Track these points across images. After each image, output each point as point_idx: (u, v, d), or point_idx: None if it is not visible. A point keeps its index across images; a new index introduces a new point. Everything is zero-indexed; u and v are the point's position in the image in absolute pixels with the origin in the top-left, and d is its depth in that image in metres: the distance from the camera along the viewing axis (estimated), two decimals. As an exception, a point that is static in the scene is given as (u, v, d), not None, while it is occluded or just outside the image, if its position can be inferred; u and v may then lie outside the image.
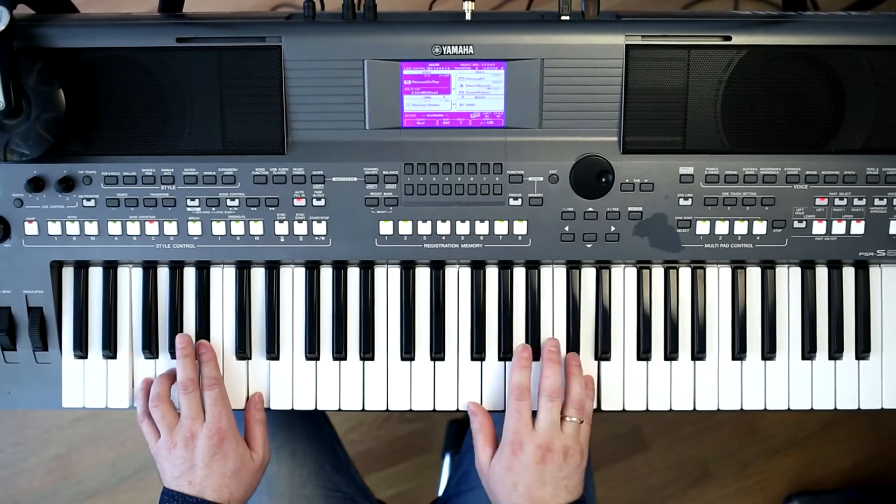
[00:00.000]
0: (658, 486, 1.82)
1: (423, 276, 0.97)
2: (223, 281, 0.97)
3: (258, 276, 0.97)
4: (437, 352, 0.96)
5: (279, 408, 0.97)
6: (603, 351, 0.96)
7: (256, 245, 0.94)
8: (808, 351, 0.96)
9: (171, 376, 0.94)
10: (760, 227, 0.94)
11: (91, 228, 0.94)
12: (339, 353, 0.96)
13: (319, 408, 0.97)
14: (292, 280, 0.97)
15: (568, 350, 0.96)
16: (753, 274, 0.97)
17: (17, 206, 0.93)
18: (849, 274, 0.97)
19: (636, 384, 0.97)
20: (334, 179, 0.93)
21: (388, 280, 0.96)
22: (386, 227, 0.94)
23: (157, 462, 0.92)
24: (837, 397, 0.97)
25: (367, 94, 0.91)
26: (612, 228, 0.94)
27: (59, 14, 0.98)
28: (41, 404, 0.97)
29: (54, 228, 0.94)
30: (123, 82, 0.91)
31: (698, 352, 0.96)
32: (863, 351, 0.96)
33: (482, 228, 0.94)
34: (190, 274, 0.97)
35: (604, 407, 0.97)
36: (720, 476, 1.82)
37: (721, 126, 0.92)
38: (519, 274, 0.96)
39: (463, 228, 0.94)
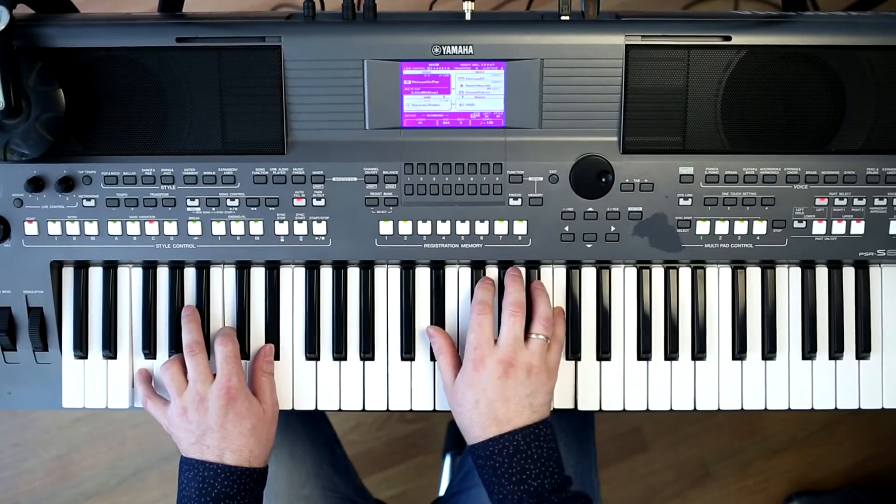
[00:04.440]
0: (658, 486, 1.82)
1: (423, 276, 0.97)
2: (223, 281, 0.97)
3: (258, 276, 0.97)
4: (438, 352, 0.96)
5: (279, 407, 0.97)
6: (603, 351, 0.96)
7: (256, 245, 0.94)
8: (809, 351, 0.96)
9: (179, 359, 0.94)
10: (760, 227, 0.94)
11: (91, 228, 0.94)
12: (339, 353, 0.96)
13: (319, 408, 0.97)
14: (292, 280, 0.97)
15: (568, 351, 0.96)
16: (753, 274, 0.97)
17: (17, 206, 0.93)
18: (849, 274, 0.97)
19: (636, 384, 0.97)
20: (334, 179, 0.93)
21: (388, 280, 0.96)
22: (386, 227, 0.94)
23: (171, 434, 0.92)
24: (838, 397, 0.97)
25: (367, 94, 0.91)
26: (612, 228, 0.94)
27: (59, 14, 0.98)
28: (41, 404, 0.97)
29: (54, 228, 0.94)
30: (123, 82, 0.91)
31: (698, 352, 0.96)
32: (863, 351, 0.96)
33: (482, 228, 0.94)
34: (190, 274, 0.97)
35: (604, 407, 0.97)
36: (720, 476, 1.82)
37: (721, 126, 0.92)
38: (519, 274, 0.96)
39: (463, 228, 0.94)
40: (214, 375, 0.91)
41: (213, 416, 0.88)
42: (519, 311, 0.90)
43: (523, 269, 0.96)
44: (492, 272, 0.96)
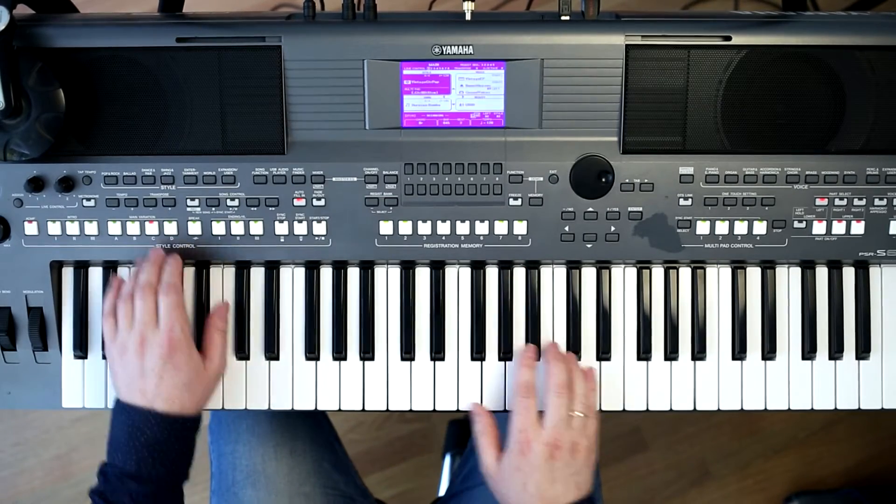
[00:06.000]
0: (658, 486, 1.82)
1: (423, 276, 0.97)
2: (223, 281, 0.97)
3: (258, 276, 0.97)
4: (437, 352, 0.96)
5: (279, 408, 0.97)
6: (603, 351, 0.96)
7: (256, 245, 0.94)
8: (809, 351, 0.96)
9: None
10: (760, 227, 0.94)
11: (91, 228, 0.94)
12: (339, 353, 0.96)
13: (319, 408, 0.97)
14: (292, 280, 0.97)
15: (568, 349, 0.96)
16: (753, 274, 0.97)
17: (17, 206, 0.93)
18: (849, 274, 0.97)
19: (636, 384, 0.97)
20: (334, 179, 0.93)
21: (388, 280, 0.96)
22: (386, 227, 0.94)
23: (110, 368, 0.91)
24: (837, 397, 0.97)
25: (367, 94, 0.91)
26: (612, 228, 0.94)
27: (59, 14, 0.98)
28: (41, 404, 0.97)
29: (54, 228, 0.94)
30: (123, 82, 0.91)
31: (698, 352, 0.96)
32: (863, 351, 0.96)
33: (482, 228, 0.94)
34: (189, 274, 0.96)
35: (604, 407, 0.97)
36: (720, 476, 1.82)
37: (721, 126, 0.92)
38: (519, 274, 0.96)
39: (463, 228, 0.94)
40: None
41: (151, 362, 0.88)
42: (564, 393, 0.90)
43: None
44: (492, 273, 0.96)
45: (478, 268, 0.96)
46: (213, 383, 0.93)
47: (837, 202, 0.93)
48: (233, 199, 0.93)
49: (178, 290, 0.91)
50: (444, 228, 0.94)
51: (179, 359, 0.89)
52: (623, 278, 0.97)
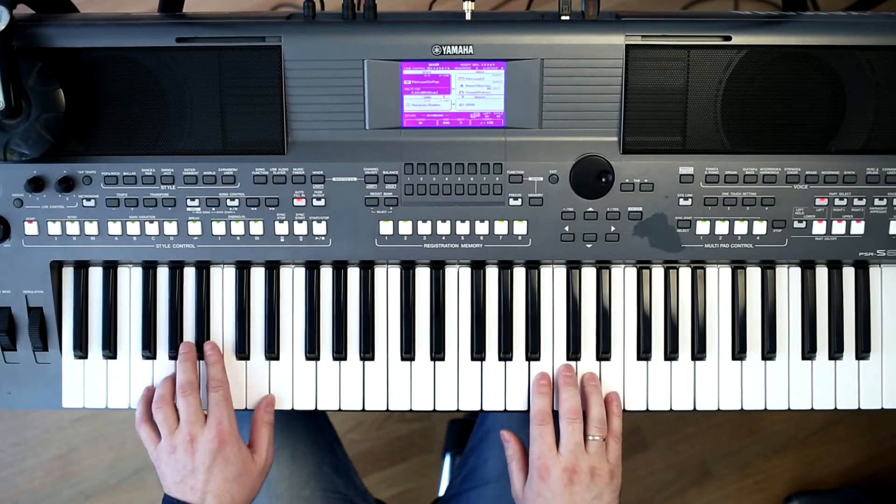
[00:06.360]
0: (658, 486, 1.82)
1: (423, 276, 0.97)
2: (223, 281, 0.97)
3: (258, 276, 0.97)
4: (437, 352, 0.96)
5: (279, 408, 0.97)
6: (603, 351, 0.96)
7: (256, 245, 0.94)
8: (808, 351, 0.96)
9: (175, 379, 0.94)
10: (760, 227, 0.94)
11: (91, 228, 0.94)
12: (339, 353, 0.96)
13: (319, 408, 0.97)
14: (292, 280, 0.97)
15: (568, 351, 0.96)
16: (753, 274, 0.97)
17: (17, 206, 0.93)
18: (849, 274, 0.97)
19: (636, 384, 0.97)
20: (334, 179, 0.93)
21: (388, 280, 0.96)
22: (386, 227, 0.94)
23: (156, 468, 0.92)
24: (837, 397, 0.97)
25: (367, 94, 0.91)
26: (612, 228, 0.94)
27: (59, 14, 0.98)
28: (41, 404, 0.97)
29: (54, 228, 0.94)
30: (123, 82, 0.91)
31: (698, 352, 0.96)
32: (863, 351, 0.96)
33: (482, 228, 0.94)
34: (190, 274, 0.97)
35: (604, 407, 0.97)
36: (720, 476, 1.82)
37: (721, 126, 0.92)
38: (519, 274, 0.96)
39: (463, 228, 0.94)
40: (206, 416, 0.91)
41: (202, 458, 0.89)
42: (576, 418, 0.91)
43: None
44: (492, 273, 0.96)
45: (478, 268, 0.96)
46: (261, 477, 0.93)
47: (837, 202, 0.93)
48: (233, 199, 0.93)
49: (225, 385, 0.93)
50: (444, 228, 0.94)
51: (230, 452, 0.89)
52: (623, 278, 0.97)
